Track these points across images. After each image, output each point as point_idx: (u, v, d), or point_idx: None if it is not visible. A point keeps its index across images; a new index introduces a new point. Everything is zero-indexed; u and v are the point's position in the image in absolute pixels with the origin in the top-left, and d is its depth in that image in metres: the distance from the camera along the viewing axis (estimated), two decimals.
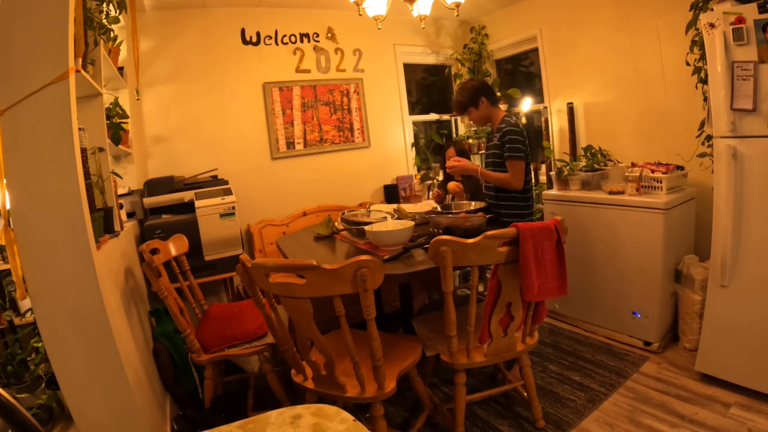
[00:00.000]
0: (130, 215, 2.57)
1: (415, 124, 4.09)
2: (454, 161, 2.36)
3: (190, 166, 3.00)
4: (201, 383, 2.12)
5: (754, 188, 1.82)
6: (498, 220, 2.27)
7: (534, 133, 3.88)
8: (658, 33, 2.70)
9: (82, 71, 1.50)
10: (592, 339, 2.57)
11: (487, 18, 3.97)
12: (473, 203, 2.34)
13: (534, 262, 1.54)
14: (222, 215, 2.55)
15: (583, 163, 2.90)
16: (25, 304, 2.29)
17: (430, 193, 3.05)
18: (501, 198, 2.31)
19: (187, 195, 2.61)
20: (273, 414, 0.73)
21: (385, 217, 2.19)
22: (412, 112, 4.04)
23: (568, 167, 2.79)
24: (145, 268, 1.78)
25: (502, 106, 3.67)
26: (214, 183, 2.80)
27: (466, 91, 2.33)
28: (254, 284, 1.46)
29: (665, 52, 2.68)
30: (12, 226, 1.26)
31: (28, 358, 1.91)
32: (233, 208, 2.57)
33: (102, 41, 1.92)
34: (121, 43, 2.48)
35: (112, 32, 2.13)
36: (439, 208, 2.37)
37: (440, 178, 3.50)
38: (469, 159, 3.09)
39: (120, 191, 2.37)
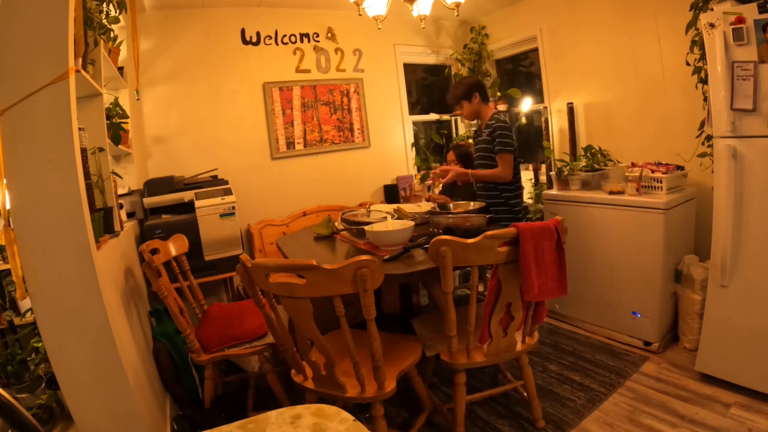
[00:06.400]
0: (130, 215, 2.57)
1: (415, 124, 4.09)
2: (449, 175, 2.52)
3: (190, 166, 3.00)
4: (201, 383, 2.12)
5: (754, 188, 1.82)
6: (494, 218, 2.30)
7: (534, 133, 3.88)
8: (658, 33, 2.70)
9: (82, 71, 1.50)
10: (592, 339, 2.57)
11: (487, 18, 3.97)
12: (473, 203, 2.34)
13: (534, 262, 1.54)
14: (222, 215, 2.55)
15: (583, 163, 2.90)
16: (25, 304, 2.29)
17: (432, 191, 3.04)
18: (491, 197, 2.45)
19: (187, 195, 2.61)
20: (273, 414, 0.73)
21: (385, 217, 2.19)
22: (412, 112, 4.04)
23: (568, 167, 2.79)
24: (145, 268, 1.77)
25: (501, 106, 3.68)
26: (214, 183, 2.80)
27: (461, 86, 2.53)
28: (254, 284, 1.46)
29: (665, 52, 2.68)
30: (12, 226, 1.26)
31: (28, 358, 1.91)
32: (233, 208, 2.57)
33: (102, 41, 1.92)
34: (121, 43, 2.48)
35: (112, 32, 2.13)
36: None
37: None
38: (472, 161, 3.10)
39: (120, 191, 2.37)
